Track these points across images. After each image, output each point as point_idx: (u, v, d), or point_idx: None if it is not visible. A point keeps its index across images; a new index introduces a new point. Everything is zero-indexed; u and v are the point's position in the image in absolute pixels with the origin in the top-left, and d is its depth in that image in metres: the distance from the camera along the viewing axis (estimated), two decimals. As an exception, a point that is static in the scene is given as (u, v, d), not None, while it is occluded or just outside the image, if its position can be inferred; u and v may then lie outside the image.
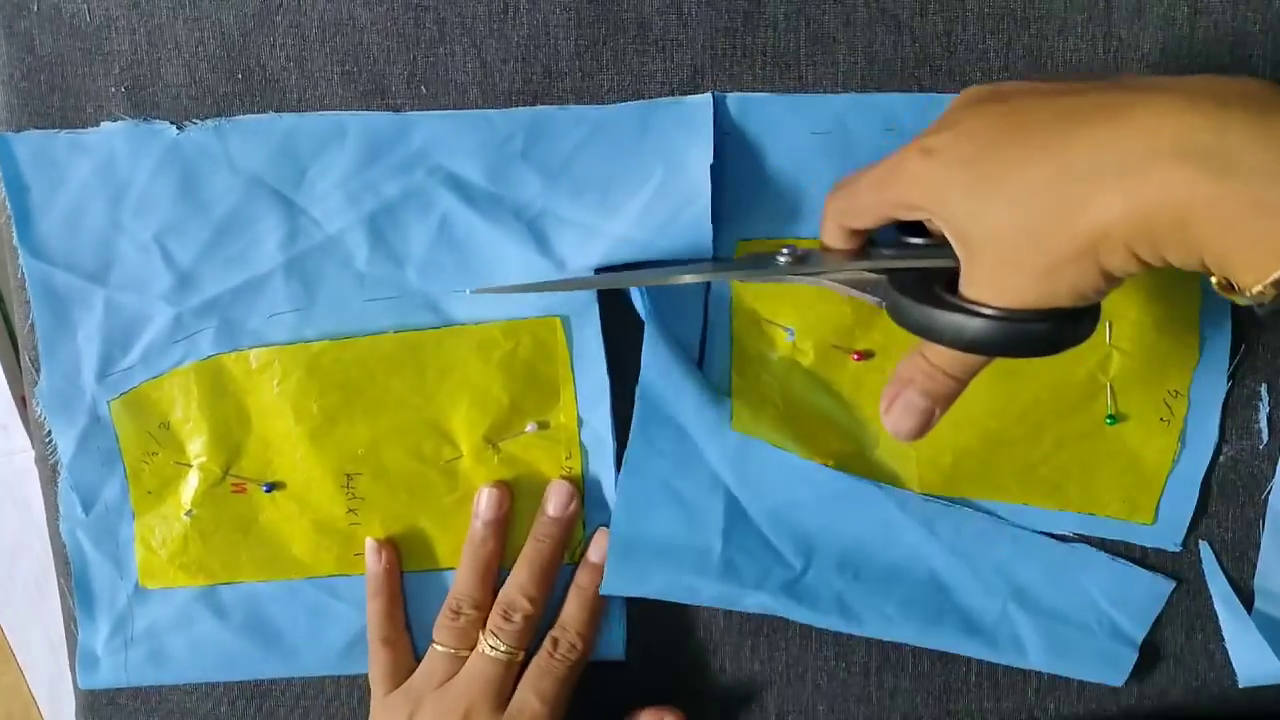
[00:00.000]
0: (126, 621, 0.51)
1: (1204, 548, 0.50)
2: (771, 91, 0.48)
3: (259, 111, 0.48)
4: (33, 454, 0.77)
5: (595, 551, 0.50)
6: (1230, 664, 0.51)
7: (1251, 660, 0.50)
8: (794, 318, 0.49)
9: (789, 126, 0.48)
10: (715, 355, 0.50)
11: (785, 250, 0.43)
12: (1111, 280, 0.34)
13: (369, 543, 0.50)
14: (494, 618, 0.48)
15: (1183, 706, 0.51)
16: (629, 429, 0.49)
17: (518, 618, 0.48)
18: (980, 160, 0.34)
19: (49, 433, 0.50)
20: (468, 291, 0.48)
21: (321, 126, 0.48)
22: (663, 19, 0.48)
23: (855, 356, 0.49)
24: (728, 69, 0.48)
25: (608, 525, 0.50)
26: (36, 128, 0.48)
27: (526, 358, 0.49)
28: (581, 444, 0.50)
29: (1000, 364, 0.39)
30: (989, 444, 0.49)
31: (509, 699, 0.48)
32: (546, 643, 0.49)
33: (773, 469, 0.49)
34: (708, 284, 0.49)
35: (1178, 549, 0.50)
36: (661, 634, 0.52)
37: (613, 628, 0.51)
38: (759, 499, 0.50)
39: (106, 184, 0.48)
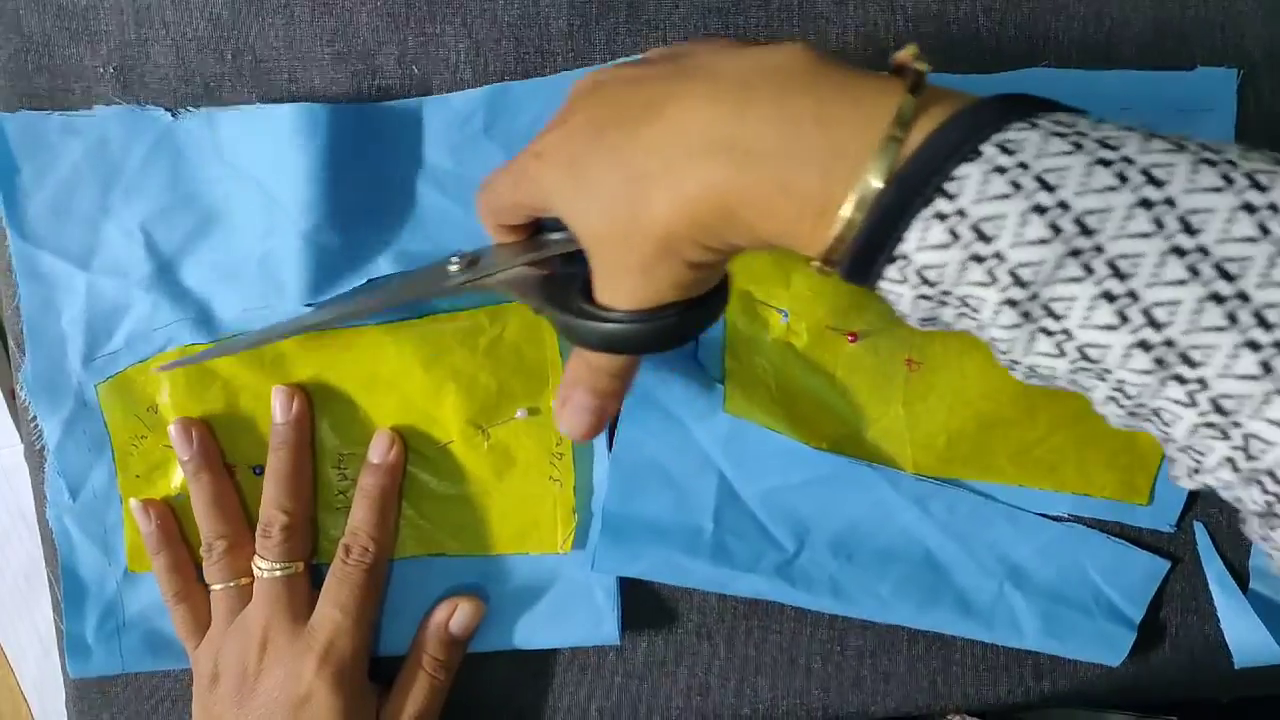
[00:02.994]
0: (116, 608, 0.51)
1: (1199, 528, 0.50)
2: (764, 71, 0.47)
3: (249, 92, 0.48)
4: (20, 449, 0.76)
5: (375, 453, 0.49)
6: (1225, 644, 0.51)
7: (1247, 640, 0.50)
8: (788, 299, 0.49)
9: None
10: (708, 337, 0.49)
11: (455, 258, 0.43)
12: (705, 267, 0.34)
13: (134, 503, 0.49)
14: (257, 540, 0.48)
15: (1178, 686, 0.51)
16: (620, 412, 0.49)
17: (275, 531, 0.48)
18: (577, 162, 0.34)
19: (34, 418, 0.50)
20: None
21: (297, 117, 0.47)
22: (655, -2, 0.48)
23: (850, 338, 0.49)
24: (720, 48, 0.48)
25: (601, 509, 0.49)
26: (25, 108, 0.48)
27: (514, 342, 0.49)
28: (573, 427, 0.50)
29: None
30: (983, 425, 0.49)
31: (309, 613, 0.47)
32: (339, 551, 0.48)
33: (765, 451, 0.49)
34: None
35: (1173, 529, 0.50)
36: (655, 618, 0.51)
37: (607, 612, 0.50)
38: (751, 481, 0.50)
39: (97, 168, 0.48)
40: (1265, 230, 0.26)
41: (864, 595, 0.50)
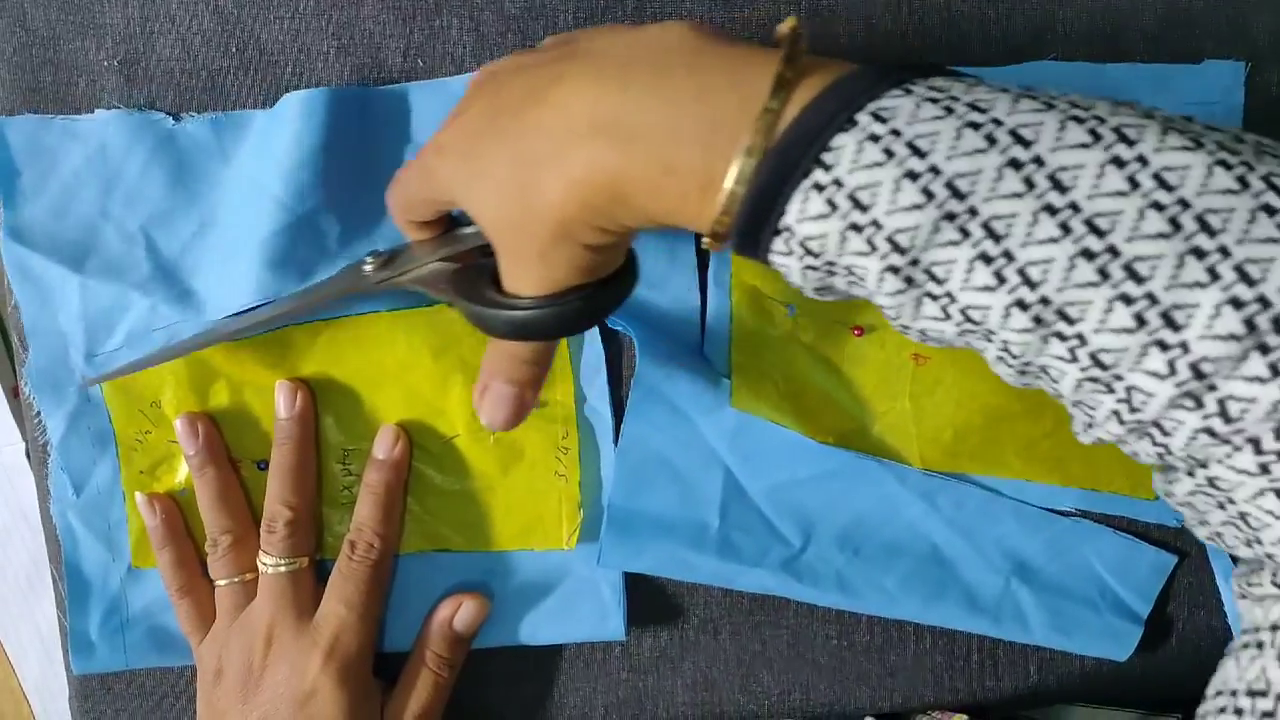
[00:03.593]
0: (120, 604, 0.50)
1: (1206, 523, 0.50)
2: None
3: (253, 86, 0.48)
4: (22, 447, 0.76)
5: (380, 449, 0.49)
6: (1233, 639, 0.50)
7: (1254, 636, 0.50)
8: (794, 294, 0.48)
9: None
10: (715, 332, 0.49)
11: (370, 257, 0.43)
12: (603, 250, 0.33)
13: (139, 497, 0.49)
14: (262, 535, 0.48)
15: (1185, 681, 0.51)
16: (625, 403, 0.48)
17: (279, 526, 0.47)
18: (473, 152, 0.34)
19: (38, 413, 0.50)
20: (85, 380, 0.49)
21: (293, 104, 0.47)
22: (661, -9, 0.47)
23: (856, 332, 0.49)
24: (726, 41, 0.48)
25: (606, 503, 0.49)
26: (29, 103, 0.48)
27: (524, 334, 0.49)
28: (579, 421, 0.50)
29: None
30: (990, 420, 0.49)
31: (314, 608, 0.47)
32: (345, 546, 0.48)
33: (772, 446, 0.49)
34: (707, 259, 0.48)
35: (1179, 524, 0.50)
36: (661, 613, 0.51)
37: (613, 608, 0.50)
38: (758, 476, 0.49)
39: (98, 172, 0.48)
40: (1134, 184, 0.26)
41: (870, 590, 0.49)
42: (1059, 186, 0.26)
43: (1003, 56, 0.48)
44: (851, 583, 0.49)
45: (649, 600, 0.51)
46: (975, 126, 0.27)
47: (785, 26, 0.30)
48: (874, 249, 0.28)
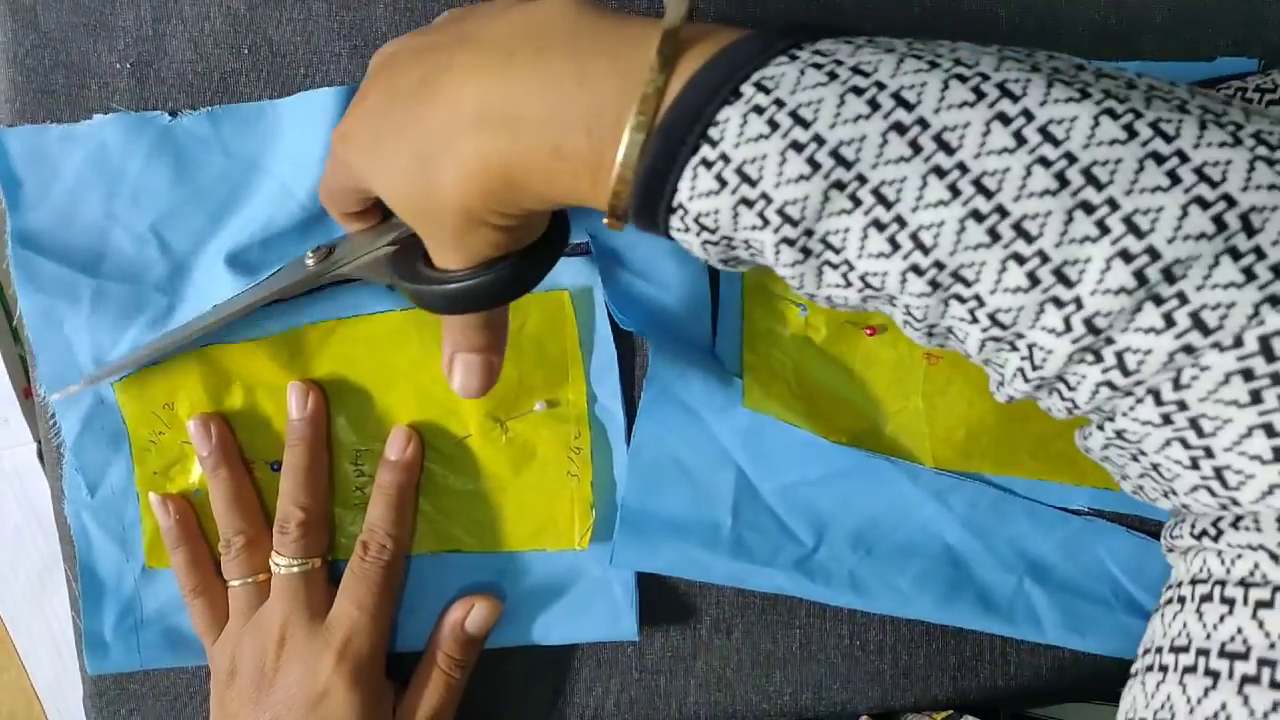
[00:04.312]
0: (135, 604, 0.51)
1: (1219, 522, 0.50)
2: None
3: (265, 87, 0.48)
4: (34, 447, 0.76)
5: (393, 450, 0.49)
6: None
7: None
8: (805, 293, 0.48)
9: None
10: (727, 332, 0.49)
11: (311, 252, 0.45)
12: (517, 229, 0.33)
13: (153, 498, 0.49)
14: (275, 536, 0.48)
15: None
16: (637, 403, 0.48)
17: (291, 527, 0.47)
18: (375, 143, 0.34)
19: (53, 415, 0.50)
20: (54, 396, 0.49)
21: (303, 105, 0.47)
22: (672, -9, 0.47)
23: (868, 331, 0.49)
24: (738, 41, 0.48)
25: (619, 503, 0.49)
26: (41, 105, 0.48)
27: (534, 333, 0.49)
28: (591, 421, 0.50)
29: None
30: (1003, 419, 0.49)
31: (327, 609, 0.47)
32: (357, 548, 0.48)
33: (784, 446, 0.49)
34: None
35: (1193, 523, 0.50)
36: (673, 613, 0.51)
37: (626, 608, 0.50)
38: (770, 476, 0.49)
39: (100, 173, 0.48)
40: (1020, 139, 0.25)
41: (883, 590, 0.49)
42: (945, 148, 0.26)
43: (1015, 55, 0.48)
44: (864, 582, 0.49)
45: (661, 600, 0.51)
46: (859, 91, 0.26)
47: None
48: (767, 222, 0.28)
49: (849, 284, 0.28)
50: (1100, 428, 0.28)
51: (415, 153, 0.32)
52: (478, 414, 0.49)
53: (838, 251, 0.28)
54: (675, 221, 0.29)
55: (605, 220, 0.30)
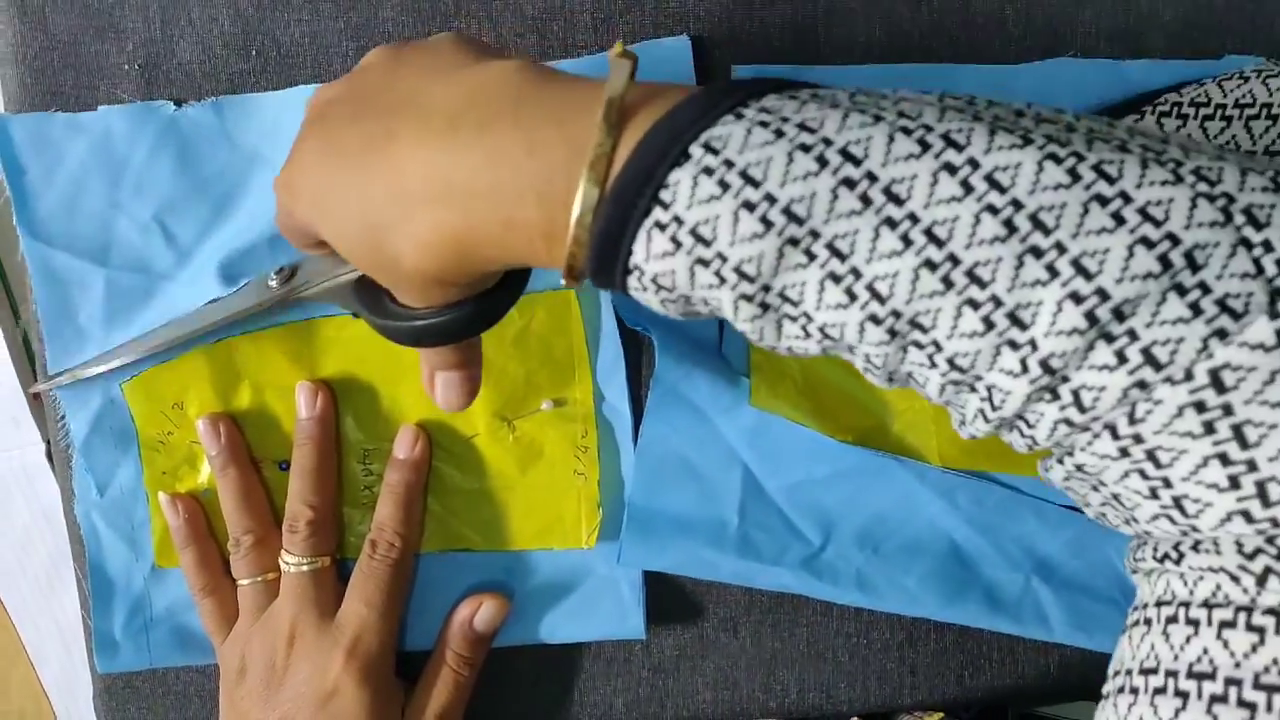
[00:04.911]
0: (144, 603, 0.51)
1: (1227, 520, 0.50)
2: (790, 64, 0.47)
3: (272, 87, 0.48)
4: (43, 447, 0.76)
5: (401, 448, 0.49)
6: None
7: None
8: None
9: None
10: (733, 331, 0.49)
11: (275, 272, 0.46)
12: (473, 284, 0.33)
13: (163, 497, 0.50)
14: (284, 535, 0.48)
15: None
16: (643, 402, 0.49)
17: (300, 526, 0.48)
18: (321, 202, 0.33)
19: (62, 416, 0.50)
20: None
21: (307, 96, 0.47)
22: (679, -9, 0.47)
23: (874, 330, 0.49)
24: (745, 41, 0.48)
25: (626, 502, 0.49)
26: (50, 106, 0.48)
27: (541, 333, 0.49)
28: (597, 420, 0.50)
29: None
30: (1009, 418, 0.49)
31: (336, 607, 0.48)
32: (366, 546, 0.48)
33: (790, 445, 0.49)
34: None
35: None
36: (681, 612, 0.51)
37: (633, 607, 0.50)
38: (776, 475, 0.50)
39: (104, 163, 0.48)
40: (968, 188, 0.26)
41: (890, 588, 0.49)
42: (895, 199, 0.26)
43: (1022, 54, 0.48)
44: (871, 581, 0.49)
45: (669, 599, 0.51)
46: (806, 149, 0.27)
47: (613, 54, 0.29)
48: (724, 280, 0.28)
49: (809, 335, 0.29)
50: (1060, 461, 0.29)
51: (365, 220, 0.31)
52: (485, 413, 0.49)
53: (796, 304, 0.28)
54: (633, 281, 0.29)
55: (563, 280, 0.30)
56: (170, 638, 0.51)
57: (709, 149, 0.27)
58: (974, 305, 0.26)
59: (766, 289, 0.28)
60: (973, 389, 0.28)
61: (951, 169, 0.26)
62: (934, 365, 0.27)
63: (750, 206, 0.27)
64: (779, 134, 0.27)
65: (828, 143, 0.27)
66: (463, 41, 0.33)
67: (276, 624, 0.47)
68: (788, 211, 0.27)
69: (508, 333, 0.49)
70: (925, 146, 0.26)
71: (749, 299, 0.28)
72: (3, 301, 0.83)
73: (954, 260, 0.26)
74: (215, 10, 0.48)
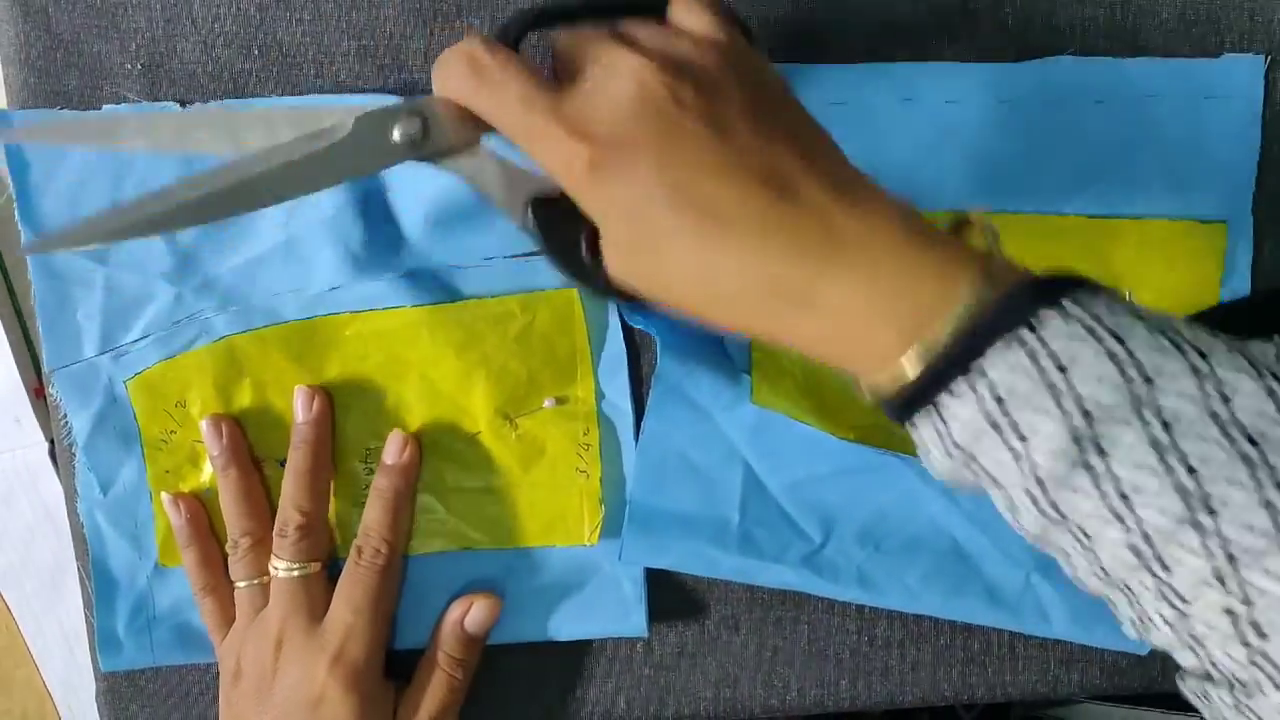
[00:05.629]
0: (147, 601, 0.51)
1: (1227, 517, 0.50)
2: (790, 61, 0.47)
3: (275, 87, 0.48)
4: (45, 447, 0.77)
5: (390, 454, 0.49)
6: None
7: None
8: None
9: (805, 97, 0.47)
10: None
11: (398, 124, 0.36)
12: None
13: (165, 497, 0.50)
14: (274, 539, 0.48)
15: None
16: (646, 400, 0.49)
17: (290, 530, 0.48)
18: (649, 235, 0.34)
19: (65, 415, 0.50)
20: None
21: (316, 107, 0.47)
22: (679, -10, 0.47)
23: (875, 328, 0.49)
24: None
25: (628, 499, 0.50)
26: (53, 106, 0.48)
27: (544, 331, 0.49)
28: (600, 417, 0.50)
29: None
30: (1010, 415, 0.49)
31: (325, 614, 0.48)
32: (352, 551, 0.48)
33: (792, 442, 0.49)
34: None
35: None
36: (682, 610, 0.51)
37: (635, 604, 0.50)
38: (778, 472, 0.50)
39: (108, 162, 0.48)
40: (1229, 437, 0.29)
41: (891, 585, 0.49)
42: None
43: (1021, 52, 0.48)
44: (872, 578, 0.50)
45: (670, 596, 0.51)
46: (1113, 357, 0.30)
47: (974, 217, 0.34)
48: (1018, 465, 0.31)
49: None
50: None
51: (707, 292, 0.35)
52: (487, 411, 0.50)
53: (1063, 517, 0.32)
54: (926, 421, 0.33)
55: (865, 395, 0.34)
56: (173, 636, 0.51)
57: (1037, 338, 0.30)
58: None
59: (1045, 490, 0.31)
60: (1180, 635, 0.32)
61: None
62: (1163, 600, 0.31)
63: (1058, 398, 0.30)
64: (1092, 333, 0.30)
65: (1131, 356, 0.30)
66: None
67: (266, 628, 0.47)
68: (1084, 409, 0.30)
69: (510, 330, 0.49)
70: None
71: (1034, 500, 0.32)
72: (4, 300, 0.83)
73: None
74: (217, 10, 0.48)
